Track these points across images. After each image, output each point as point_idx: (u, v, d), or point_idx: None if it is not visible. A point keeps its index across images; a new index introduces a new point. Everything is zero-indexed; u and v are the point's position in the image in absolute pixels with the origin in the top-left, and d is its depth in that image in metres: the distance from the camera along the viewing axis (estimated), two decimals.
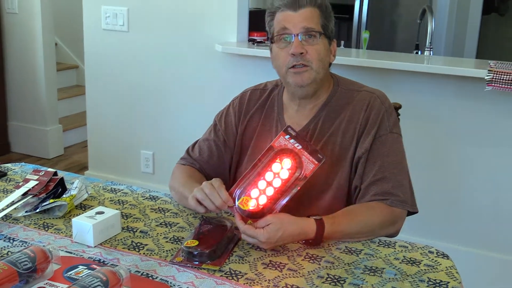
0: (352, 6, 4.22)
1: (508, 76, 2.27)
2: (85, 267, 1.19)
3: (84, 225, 1.31)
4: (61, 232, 1.38)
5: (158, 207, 1.55)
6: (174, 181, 1.62)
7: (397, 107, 1.89)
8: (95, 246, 1.31)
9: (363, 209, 1.46)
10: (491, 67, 2.36)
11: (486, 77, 2.32)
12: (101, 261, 1.25)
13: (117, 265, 1.21)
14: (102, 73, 3.37)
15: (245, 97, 1.69)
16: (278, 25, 1.54)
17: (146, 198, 1.61)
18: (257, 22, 3.17)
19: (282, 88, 1.66)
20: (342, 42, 3.81)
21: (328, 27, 1.56)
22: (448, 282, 1.19)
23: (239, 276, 1.19)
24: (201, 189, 1.38)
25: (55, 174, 1.60)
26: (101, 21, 3.27)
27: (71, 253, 1.28)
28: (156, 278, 1.18)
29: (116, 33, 3.25)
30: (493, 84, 2.31)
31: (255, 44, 2.92)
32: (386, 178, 1.48)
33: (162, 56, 3.18)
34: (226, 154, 1.67)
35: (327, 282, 1.17)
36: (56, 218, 1.46)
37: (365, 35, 3.34)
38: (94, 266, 1.19)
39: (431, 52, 3.02)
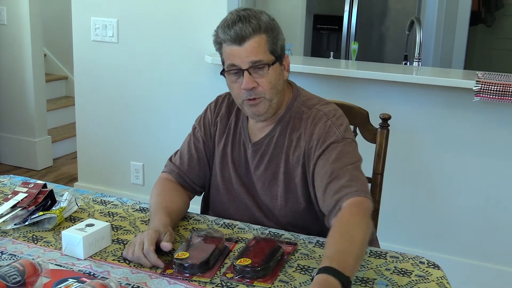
0: (341, 18, 4.25)
1: (496, 87, 2.29)
2: (75, 280, 1.18)
3: (74, 238, 1.30)
4: (51, 245, 1.37)
5: (148, 219, 1.54)
6: (151, 196, 1.60)
7: (386, 118, 1.90)
8: (85, 259, 1.30)
9: (347, 228, 1.32)
10: (479, 78, 2.38)
11: (474, 88, 2.34)
12: (91, 273, 1.24)
13: (108, 278, 1.20)
14: (91, 84, 3.36)
15: (219, 100, 1.72)
16: (226, 60, 1.52)
17: (136, 210, 1.61)
18: None
19: None
20: (332, 53, 3.83)
21: (276, 50, 1.53)
22: None
23: (235, 285, 1.18)
24: (131, 250, 1.30)
25: (45, 186, 1.59)
26: (91, 33, 3.26)
27: (60, 266, 1.27)
28: None
29: (106, 44, 3.25)
30: (481, 95, 2.32)
31: None
32: (340, 175, 1.43)
33: (152, 67, 3.17)
34: (207, 155, 1.68)
35: None
36: (46, 231, 1.45)
37: (354, 46, 3.37)
38: (84, 279, 1.18)
39: (420, 63, 3.04)
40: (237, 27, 1.47)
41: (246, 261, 1.22)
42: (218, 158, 1.66)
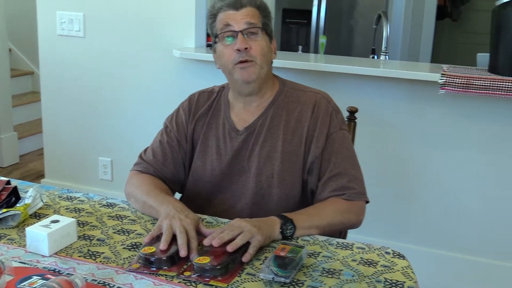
0: (310, 12, 4.26)
1: (460, 80, 2.33)
2: (40, 278, 1.16)
3: (39, 235, 1.28)
4: (15, 242, 1.35)
5: (116, 214, 1.53)
6: (133, 188, 1.61)
7: (354, 111, 1.92)
8: (50, 256, 1.28)
9: (326, 204, 1.53)
10: (444, 71, 2.42)
11: (439, 81, 2.38)
12: (57, 270, 1.22)
13: (73, 274, 1.18)
14: (58, 79, 3.30)
15: (193, 99, 1.73)
16: (221, 24, 1.60)
17: (103, 205, 1.59)
18: None
19: (228, 88, 1.70)
20: (300, 47, 3.84)
21: (268, 26, 1.63)
22: (404, 282, 1.21)
23: (197, 282, 1.18)
24: (166, 238, 1.30)
25: (8, 183, 1.56)
26: (57, 27, 3.21)
27: (24, 263, 1.25)
28: (113, 286, 1.16)
29: (72, 38, 3.20)
30: (446, 87, 2.36)
31: None
32: (341, 174, 1.56)
33: (119, 62, 3.14)
34: (180, 153, 1.69)
35: (285, 285, 1.18)
36: (10, 228, 1.42)
37: (322, 40, 3.38)
38: (49, 276, 1.17)
39: (387, 56, 3.07)
40: None
41: (205, 260, 1.21)
42: (201, 154, 1.66)
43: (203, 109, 1.70)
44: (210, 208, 1.64)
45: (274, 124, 1.61)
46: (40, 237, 1.28)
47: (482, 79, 2.31)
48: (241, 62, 1.56)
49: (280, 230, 1.37)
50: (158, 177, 1.66)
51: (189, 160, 1.70)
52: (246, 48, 1.55)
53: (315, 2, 4.22)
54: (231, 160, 1.63)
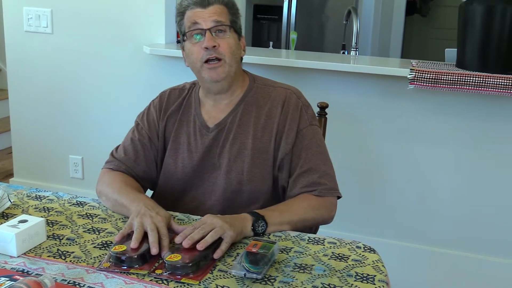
0: (281, 8, 4.27)
1: (429, 75, 2.36)
2: (7, 279, 1.14)
3: (6, 235, 1.26)
4: None
5: (86, 213, 1.51)
6: (104, 186, 1.60)
7: (324, 106, 1.93)
8: (18, 256, 1.26)
9: (297, 200, 1.54)
10: (413, 66, 2.45)
11: (408, 76, 2.40)
12: (25, 271, 1.20)
13: (42, 275, 1.17)
14: (25, 76, 3.25)
15: (164, 96, 1.73)
16: (188, 22, 1.59)
17: (73, 204, 1.57)
18: None
19: (199, 85, 1.70)
20: (271, 43, 3.84)
21: (236, 23, 1.63)
22: (375, 276, 1.23)
23: (169, 280, 1.18)
24: (138, 236, 1.28)
25: None
26: (23, 23, 3.15)
27: None
28: (84, 286, 1.15)
29: (40, 35, 3.14)
30: (415, 83, 2.39)
31: None
32: (312, 169, 1.57)
33: (88, 58, 3.10)
34: (152, 151, 1.68)
35: (257, 281, 1.18)
36: None
37: (293, 36, 3.39)
38: (17, 277, 1.15)
39: (357, 52, 3.10)
40: None
41: (176, 257, 1.20)
42: (172, 151, 1.66)
43: (174, 106, 1.69)
44: (181, 205, 1.63)
45: (244, 121, 1.62)
46: (8, 237, 1.26)
47: (450, 74, 2.34)
48: (209, 60, 1.56)
49: (252, 227, 1.38)
50: (129, 174, 1.65)
51: (161, 158, 1.69)
52: (214, 46, 1.55)
53: None
54: (202, 157, 1.63)
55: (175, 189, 1.66)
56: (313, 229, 1.68)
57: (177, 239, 1.27)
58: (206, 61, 1.56)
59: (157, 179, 1.70)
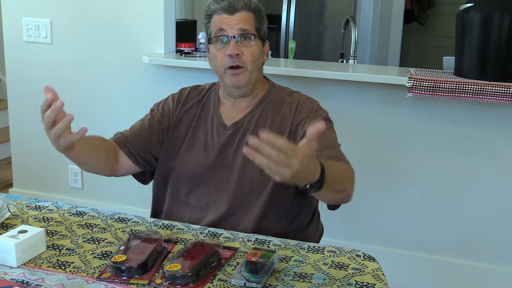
0: (280, 16, 4.29)
1: (427, 83, 2.37)
2: None
3: (6, 246, 1.26)
4: None
5: (86, 223, 1.51)
6: None
7: None
8: (18, 267, 1.26)
9: (337, 163, 1.48)
10: (412, 74, 2.46)
11: (407, 84, 2.41)
12: (25, 282, 1.20)
13: (42, 285, 1.17)
14: (25, 86, 3.25)
15: (184, 92, 1.76)
16: (215, 27, 1.61)
17: (73, 214, 1.57)
18: (184, 33, 3.16)
19: (218, 84, 1.72)
20: (270, 52, 3.84)
21: (261, 30, 1.65)
22: (375, 284, 1.23)
23: None
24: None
25: None
26: (23, 33, 3.16)
27: None
28: None
29: (39, 45, 3.16)
30: (413, 91, 2.40)
31: (183, 55, 2.90)
32: (330, 147, 1.55)
33: (88, 68, 3.11)
34: (157, 133, 1.70)
35: None
36: None
37: (291, 44, 3.40)
38: (17, 287, 1.15)
39: (356, 60, 3.11)
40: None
41: (176, 267, 1.20)
42: (188, 146, 1.66)
43: (191, 103, 1.72)
44: (191, 201, 1.64)
45: (261, 122, 1.63)
46: (7, 248, 1.26)
47: (448, 82, 2.35)
48: (232, 68, 1.59)
49: (308, 185, 1.25)
50: (124, 145, 1.68)
51: (161, 143, 1.70)
52: (237, 54, 1.57)
53: (285, 7, 4.25)
54: (217, 154, 1.64)
55: (187, 184, 1.66)
56: (316, 238, 1.68)
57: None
58: (229, 67, 1.59)
59: (152, 164, 1.71)
